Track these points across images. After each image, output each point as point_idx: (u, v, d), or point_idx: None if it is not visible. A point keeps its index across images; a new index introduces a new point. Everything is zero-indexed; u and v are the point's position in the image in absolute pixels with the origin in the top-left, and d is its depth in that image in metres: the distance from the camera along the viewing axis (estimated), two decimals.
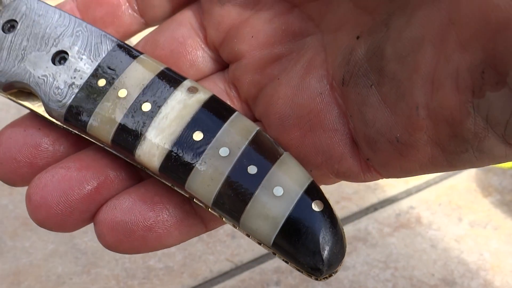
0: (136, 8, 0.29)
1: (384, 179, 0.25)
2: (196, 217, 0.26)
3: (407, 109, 0.23)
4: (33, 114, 0.28)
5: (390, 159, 0.24)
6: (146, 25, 0.30)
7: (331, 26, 0.26)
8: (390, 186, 0.53)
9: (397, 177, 0.25)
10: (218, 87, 0.28)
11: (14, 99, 0.27)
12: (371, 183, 0.53)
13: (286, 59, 0.27)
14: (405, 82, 0.23)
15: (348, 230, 0.49)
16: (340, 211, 0.50)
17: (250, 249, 0.48)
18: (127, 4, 0.29)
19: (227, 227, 0.48)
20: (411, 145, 0.23)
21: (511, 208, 0.51)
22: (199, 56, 0.29)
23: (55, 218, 0.26)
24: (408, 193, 0.52)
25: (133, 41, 0.30)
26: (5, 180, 0.27)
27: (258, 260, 0.47)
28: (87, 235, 0.48)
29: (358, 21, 0.25)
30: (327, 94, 0.26)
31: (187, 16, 0.29)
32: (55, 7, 0.27)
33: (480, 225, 0.50)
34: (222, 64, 0.29)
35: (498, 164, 0.53)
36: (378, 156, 0.25)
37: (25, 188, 0.25)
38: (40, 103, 0.27)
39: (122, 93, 0.26)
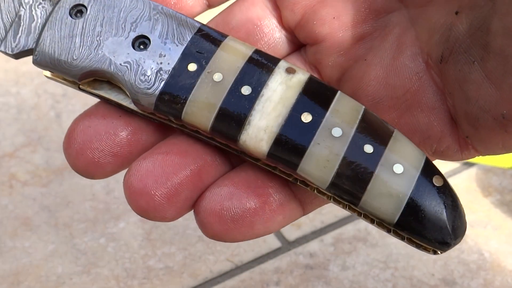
0: None
1: None
2: (295, 200, 0.26)
3: None
4: (105, 102, 0.26)
5: (493, 136, 0.24)
6: (209, 6, 0.29)
7: (418, 0, 0.25)
8: None
9: (496, 154, 0.25)
10: None
11: (88, 89, 0.26)
12: None
13: (370, 38, 0.26)
14: None
15: (348, 230, 0.49)
16: (339, 211, 0.50)
17: (250, 249, 0.48)
18: None
19: None
20: None
21: (511, 208, 0.51)
22: (276, 37, 0.28)
23: (158, 206, 0.25)
24: None
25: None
26: (85, 172, 0.26)
27: (258, 260, 0.47)
28: (87, 235, 0.48)
29: None
30: (423, 73, 0.25)
31: None
32: None
33: (480, 225, 0.50)
34: (298, 44, 0.28)
35: (498, 164, 0.53)
36: (480, 133, 0.24)
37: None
38: (117, 92, 0.26)
39: (217, 77, 0.25)
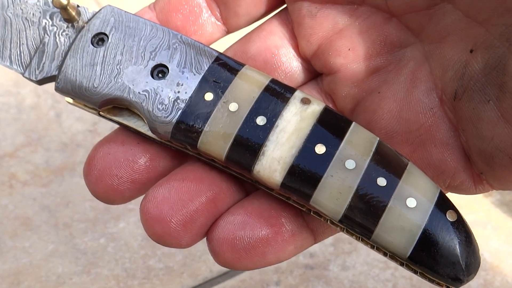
0: (219, 15, 0.28)
1: None
2: (307, 230, 0.26)
3: None
4: (124, 129, 0.27)
5: (508, 174, 0.24)
6: (227, 32, 0.29)
7: (433, 36, 0.25)
8: None
9: (511, 189, 0.25)
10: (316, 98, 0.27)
11: (108, 116, 0.26)
12: None
13: (384, 71, 0.26)
14: None
15: None
16: None
17: None
18: (209, 12, 0.28)
19: None
20: None
21: (511, 208, 0.51)
22: (293, 66, 0.28)
23: (173, 233, 0.25)
24: None
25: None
26: (105, 198, 0.26)
27: None
28: (87, 235, 0.48)
29: (468, 32, 0.24)
30: (437, 109, 0.25)
31: (276, 25, 0.28)
32: (143, 17, 0.27)
33: (480, 225, 0.50)
34: (315, 73, 0.29)
35: None
36: (495, 171, 0.24)
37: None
38: (136, 119, 0.26)
39: (233, 106, 0.25)
